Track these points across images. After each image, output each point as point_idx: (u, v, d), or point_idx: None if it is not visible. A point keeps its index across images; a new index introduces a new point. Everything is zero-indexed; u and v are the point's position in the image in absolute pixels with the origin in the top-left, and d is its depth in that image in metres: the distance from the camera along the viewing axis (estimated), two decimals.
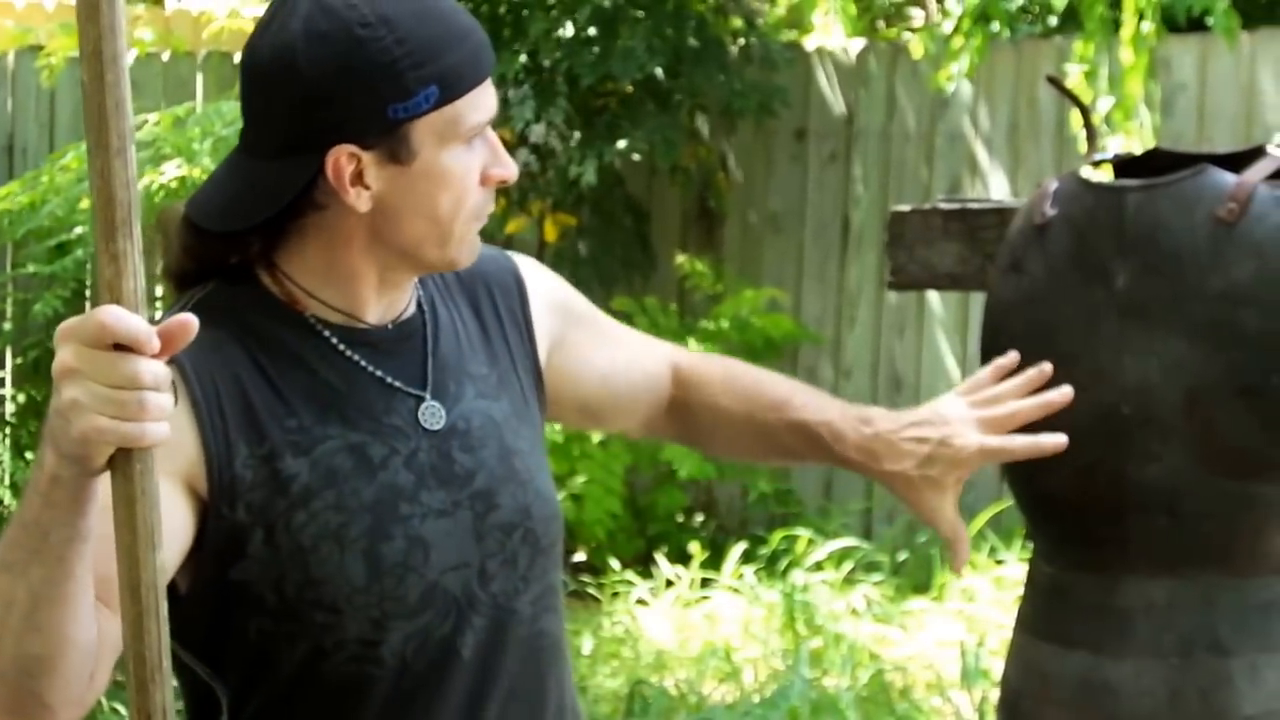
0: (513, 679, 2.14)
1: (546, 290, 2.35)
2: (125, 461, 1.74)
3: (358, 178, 2.03)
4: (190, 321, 1.75)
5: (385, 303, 2.14)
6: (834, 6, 7.47)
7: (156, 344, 1.72)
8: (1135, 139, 6.76)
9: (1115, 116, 6.76)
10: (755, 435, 2.49)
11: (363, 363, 2.11)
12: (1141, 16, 6.71)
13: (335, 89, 2.00)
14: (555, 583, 2.21)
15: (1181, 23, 6.98)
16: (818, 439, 2.42)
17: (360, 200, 2.03)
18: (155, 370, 1.72)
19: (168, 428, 1.75)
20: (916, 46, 7.59)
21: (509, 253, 2.35)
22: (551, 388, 2.32)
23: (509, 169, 2.11)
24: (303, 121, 2.02)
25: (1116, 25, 6.84)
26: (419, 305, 2.19)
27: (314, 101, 2.00)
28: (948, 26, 7.40)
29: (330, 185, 2.03)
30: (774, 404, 2.46)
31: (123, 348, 1.71)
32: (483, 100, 2.06)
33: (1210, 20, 6.87)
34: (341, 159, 2.01)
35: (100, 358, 1.71)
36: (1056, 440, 2.34)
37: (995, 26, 7.27)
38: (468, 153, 2.06)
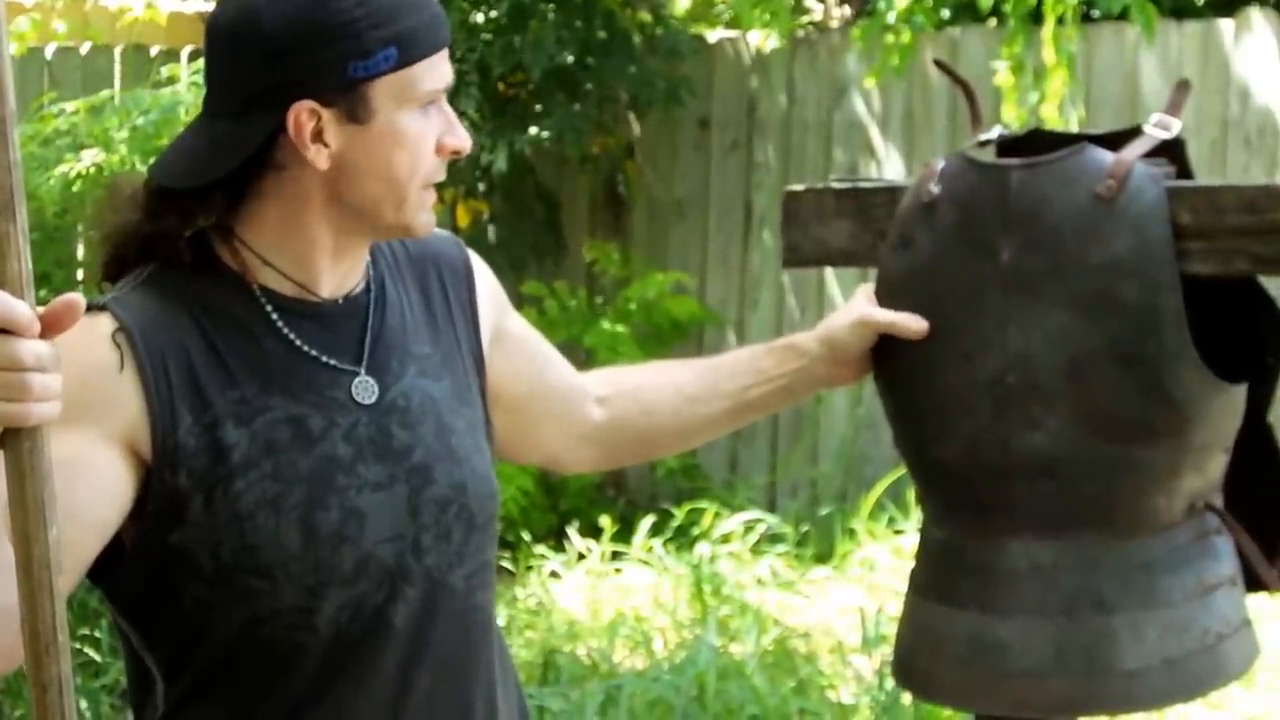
0: (444, 651, 2.17)
1: (491, 285, 2.37)
2: (15, 440, 1.74)
3: (317, 135, 2.06)
4: (76, 303, 1.75)
5: (339, 275, 2.16)
6: (768, 10, 7.52)
7: (38, 327, 1.73)
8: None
9: (1041, 112, 6.81)
10: (711, 425, 2.68)
11: (297, 340, 2.13)
12: (1061, 20, 6.79)
13: (297, 46, 2.03)
14: (490, 560, 2.23)
15: (1111, 16, 7.04)
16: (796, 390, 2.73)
17: (320, 157, 2.07)
18: (38, 351, 1.73)
19: (57, 407, 1.75)
20: (855, 41, 7.58)
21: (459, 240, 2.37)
22: (491, 377, 2.33)
23: (463, 140, 2.14)
24: (265, 78, 2.05)
25: (1038, 20, 6.86)
26: (368, 284, 2.20)
27: (276, 58, 2.04)
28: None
29: (290, 144, 2.06)
30: (720, 392, 2.66)
31: (6, 331, 1.72)
32: (438, 68, 2.10)
33: (1097, 12, 6.95)
34: (302, 115, 2.05)
35: None
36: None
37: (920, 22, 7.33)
38: (424, 118, 2.10)
